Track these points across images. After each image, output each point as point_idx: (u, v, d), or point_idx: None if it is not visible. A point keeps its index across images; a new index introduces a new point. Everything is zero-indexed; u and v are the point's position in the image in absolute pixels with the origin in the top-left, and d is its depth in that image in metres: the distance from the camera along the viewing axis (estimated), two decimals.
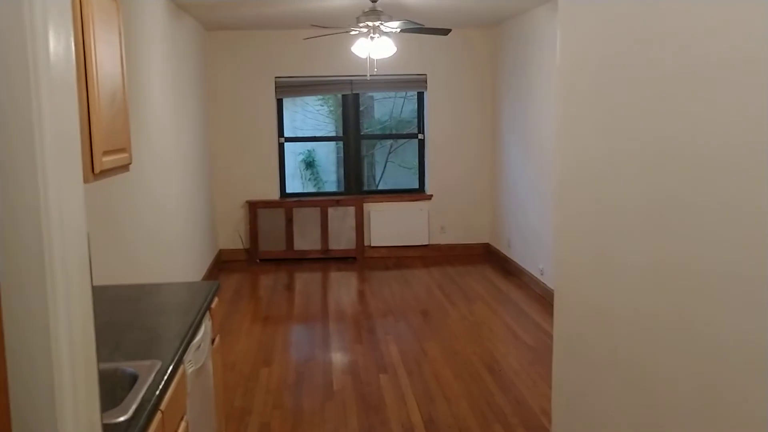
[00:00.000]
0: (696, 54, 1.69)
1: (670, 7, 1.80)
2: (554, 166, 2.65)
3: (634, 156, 2.02)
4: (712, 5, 1.61)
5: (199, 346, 2.44)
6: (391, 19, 5.16)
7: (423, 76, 7.49)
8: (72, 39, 1.31)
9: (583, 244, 2.41)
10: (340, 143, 8.05)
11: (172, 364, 2.01)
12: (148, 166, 4.44)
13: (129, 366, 1.97)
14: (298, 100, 8.24)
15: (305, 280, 6.85)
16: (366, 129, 8.26)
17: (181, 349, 2.14)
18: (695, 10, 1.68)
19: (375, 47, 5.38)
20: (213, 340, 2.81)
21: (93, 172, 2.40)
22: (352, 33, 5.46)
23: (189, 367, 2.25)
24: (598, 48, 2.23)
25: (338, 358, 4.69)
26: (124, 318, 2.53)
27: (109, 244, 3.51)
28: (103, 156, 2.47)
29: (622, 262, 2.11)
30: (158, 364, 1.98)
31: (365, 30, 5.29)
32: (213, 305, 2.83)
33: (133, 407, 1.71)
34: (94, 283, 3.05)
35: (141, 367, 1.95)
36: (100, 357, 2.12)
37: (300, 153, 8.76)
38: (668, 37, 1.82)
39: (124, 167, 2.80)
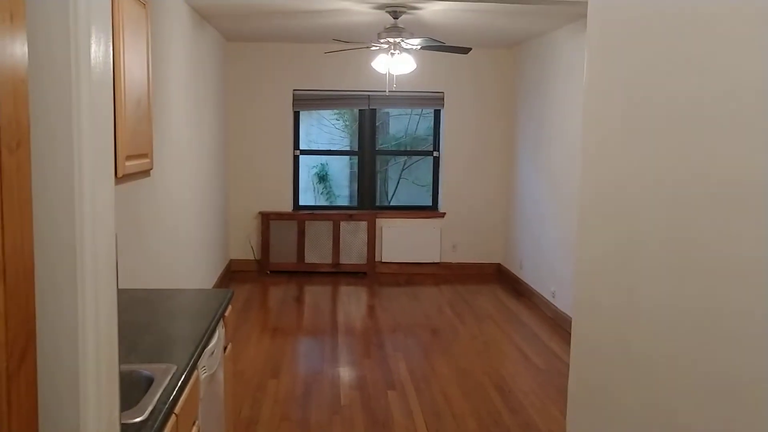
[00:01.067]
0: (723, 85, 1.70)
1: (699, 34, 1.80)
2: (578, 200, 2.63)
3: (658, 191, 2.01)
4: (742, 32, 1.62)
5: (212, 353, 2.44)
6: (412, 36, 5.20)
7: (440, 94, 7.52)
8: (111, 44, 1.33)
9: (605, 281, 2.39)
10: (354, 158, 8.08)
11: (187, 369, 2.02)
12: (168, 172, 4.48)
13: (145, 369, 1.98)
14: (314, 113, 8.29)
15: (315, 293, 6.85)
16: (381, 145, 8.29)
17: (195, 355, 2.14)
18: (726, 38, 1.69)
19: (395, 63, 5.41)
20: (225, 348, 2.81)
21: (116, 175, 2.42)
22: (373, 48, 5.50)
23: (203, 372, 2.26)
24: (626, 74, 2.23)
25: (346, 372, 4.68)
26: (140, 321, 2.54)
27: (127, 247, 3.53)
28: (126, 160, 2.49)
29: (644, 302, 2.10)
30: (173, 368, 1.99)
31: (386, 46, 5.33)
32: (226, 313, 2.84)
33: (149, 409, 1.71)
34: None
35: (157, 371, 1.96)
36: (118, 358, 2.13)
37: (313, 166, 8.79)
38: (695, 64, 1.82)
39: (146, 172, 2.83)
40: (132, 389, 1.91)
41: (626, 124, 2.23)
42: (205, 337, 2.33)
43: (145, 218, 3.93)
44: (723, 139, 1.71)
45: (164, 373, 1.94)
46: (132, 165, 2.56)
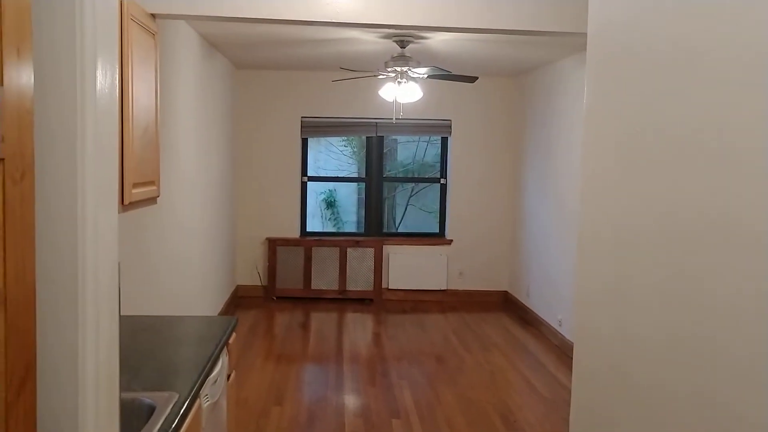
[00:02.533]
0: (718, 119, 1.70)
1: (696, 66, 1.81)
2: (578, 230, 2.63)
3: (653, 224, 2.02)
4: (747, 68, 1.63)
5: (215, 381, 2.43)
6: (419, 64, 5.25)
7: (448, 122, 7.56)
8: (117, 74, 1.36)
9: (603, 312, 2.38)
10: (362, 184, 8.11)
11: (189, 398, 2.01)
12: (176, 199, 4.51)
13: (147, 396, 1.97)
14: (323, 140, 8.35)
15: (321, 320, 6.83)
16: (388, 171, 8.33)
17: (198, 383, 2.14)
18: (723, 73, 1.70)
19: (402, 92, 5.46)
20: (229, 376, 2.81)
21: (122, 203, 2.44)
22: (380, 77, 5.55)
23: (205, 401, 2.25)
24: (625, 107, 2.25)
25: (351, 400, 4.65)
26: (144, 348, 2.54)
27: (132, 274, 3.54)
28: (133, 188, 2.52)
29: (641, 333, 2.09)
30: (175, 397, 1.98)
31: (393, 75, 5.38)
32: (231, 340, 2.83)
33: None
34: None
35: (158, 398, 1.95)
36: (120, 386, 2.13)
37: (321, 192, 8.83)
38: (692, 97, 1.83)
39: (152, 200, 2.85)
40: (133, 417, 1.91)
41: (623, 156, 2.23)
42: (208, 366, 2.32)
43: (151, 245, 3.95)
44: (719, 173, 1.71)
45: (166, 402, 1.93)
46: (139, 192, 2.59)
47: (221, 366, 2.58)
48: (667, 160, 1.97)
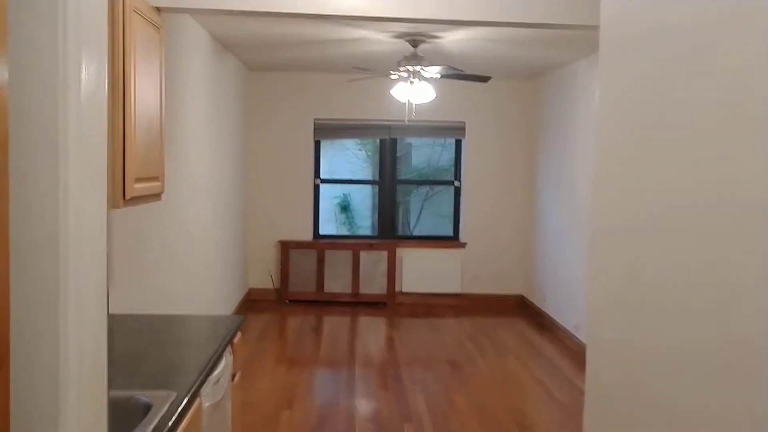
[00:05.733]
0: (741, 102, 1.61)
1: (716, 66, 1.73)
2: (589, 231, 2.54)
3: (670, 220, 1.92)
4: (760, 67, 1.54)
5: (217, 381, 2.37)
6: (431, 64, 5.18)
7: (461, 123, 7.48)
8: (105, 66, 1.30)
9: (615, 317, 2.29)
10: (376, 187, 8.04)
11: (188, 396, 1.95)
12: (184, 198, 4.46)
13: (144, 395, 1.91)
14: (337, 143, 8.29)
15: (333, 324, 6.76)
16: (403, 175, 8.26)
17: (198, 382, 2.07)
18: (744, 73, 1.61)
19: (414, 92, 5.39)
20: (233, 376, 2.74)
21: (124, 198, 2.39)
22: (392, 77, 5.49)
23: (205, 400, 2.18)
24: (637, 105, 2.16)
25: (362, 405, 4.57)
26: (145, 347, 2.48)
27: (138, 272, 3.50)
28: (135, 183, 2.47)
29: (655, 343, 2.00)
30: (173, 395, 1.92)
31: (405, 74, 5.31)
32: (236, 340, 2.77)
33: None
34: (119, 311, 3.02)
35: (156, 397, 1.89)
36: (117, 384, 2.07)
37: (335, 197, 8.76)
38: (710, 82, 1.74)
39: (156, 196, 2.80)
40: (130, 416, 1.85)
41: (637, 147, 2.14)
42: (209, 364, 2.26)
43: (156, 242, 3.90)
44: (738, 162, 1.62)
45: (163, 400, 1.87)
46: (141, 187, 2.54)
47: (224, 365, 2.51)
48: (684, 151, 1.88)
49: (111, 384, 2.02)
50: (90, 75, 1.22)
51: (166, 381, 2.09)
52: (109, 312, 2.86)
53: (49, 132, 1.14)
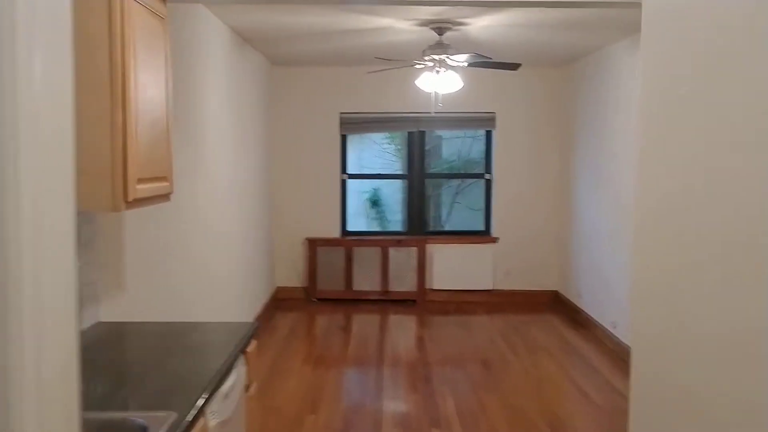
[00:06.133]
0: None
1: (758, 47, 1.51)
2: (634, 217, 2.33)
3: (719, 206, 1.71)
4: None
5: (227, 395, 2.21)
6: (458, 52, 4.96)
7: (492, 114, 7.24)
8: (69, 56, 1.14)
9: (660, 306, 2.08)
10: (406, 182, 7.84)
11: (189, 417, 1.79)
12: (203, 197, 4.33)
13: (139, 416, 1.76)
14: (365, 137, 8.11)
15: (362, 322, 6.61)
16: (433, 168, 8.05)
17: (200, 401, 1.92)
18: None
19: (441, 81, 5.18)
20: (248, 387, 2.59)
21: (126, 199, 2.25)
22: (417, 67, 5.29)
23: (212, 419, 2.03)
24: (683, 82, 1.95)
25: (390, 407, 4.40)
26: (148, 359, 2.34)
27: (153, 276, 3.37)
28: (138, 184, 2.32)
29: (703, 339, 1.79)
30: (173, 416, 1.77)
31: (431, 64, 5.11)
32: (249, 348, 2.62)
33: None
34: (129, 319, 2.88)
35: (153, 419, 1.74)
36: (113, 403, 1.93)
37: (365, 191, 8.59)
38: (750, 81, 1.53)
39: (164, 197, 2.66)
40: None
41: (687, 131, 1.93)
42: (215, 379, 2.10)
43: (173, 244, 3.77)
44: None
45: (160, 423, 1.72)
46: (146, 188, 2.40)
47: (236, 378, 2.36)
48: (739, 140, 1.67)
49: (106, 405, 1.89)
50: (46, 67, 1.06)
51: (167, 399, 1.94)
52: (119, 320, 2.72)
53: None
